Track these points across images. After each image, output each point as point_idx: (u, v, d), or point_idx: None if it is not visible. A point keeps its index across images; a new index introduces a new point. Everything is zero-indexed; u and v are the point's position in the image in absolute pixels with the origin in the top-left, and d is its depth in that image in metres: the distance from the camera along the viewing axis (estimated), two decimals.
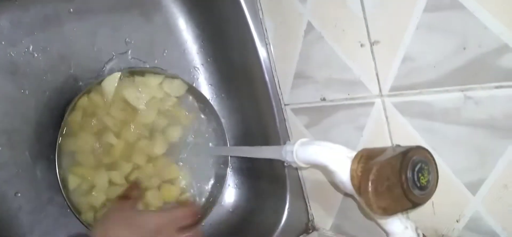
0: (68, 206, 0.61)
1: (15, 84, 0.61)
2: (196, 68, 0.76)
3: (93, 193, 0.64)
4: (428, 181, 0.37)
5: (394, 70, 0.46)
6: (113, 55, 0.68)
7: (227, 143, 0.75)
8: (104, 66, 0.68)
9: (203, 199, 0.74)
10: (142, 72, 0.69)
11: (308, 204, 0.68)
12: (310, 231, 0.68)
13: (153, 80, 0.69)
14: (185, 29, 0.74)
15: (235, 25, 0.67)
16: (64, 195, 0.60)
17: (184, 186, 0.73)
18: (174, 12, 0.73)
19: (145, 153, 0.69)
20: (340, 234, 0.63)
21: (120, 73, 0.66)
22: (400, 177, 0.35)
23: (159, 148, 0.70)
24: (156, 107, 0.70)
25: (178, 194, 0.72)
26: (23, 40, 0.61)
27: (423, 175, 0.36)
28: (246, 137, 0.76)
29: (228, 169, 0.75)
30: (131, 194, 0.61)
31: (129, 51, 0.70)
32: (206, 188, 0.75)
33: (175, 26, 0.74)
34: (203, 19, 0.74)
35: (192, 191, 0.74)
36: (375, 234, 0.54)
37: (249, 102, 0.73)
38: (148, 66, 0.72)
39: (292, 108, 0.65)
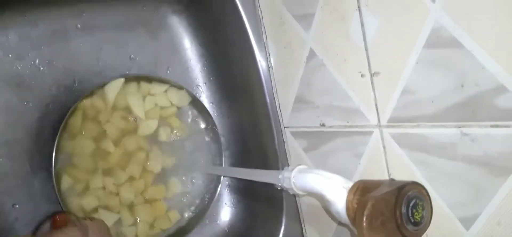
0: (60, 205, 0.61)
1: (19, 96, 0.62)
2: (198, 86, 0.77)
3: (85, 196, 0.64)
4: (422, 217, 0.37)
5: (393, 102, 0.46)
6: (118, 71, 0.69)
7: (222, 159, 0.75)
8: (108, 81, 0.68)
9: (190, 214, 0.75)
10: (148, 79, 0.70)
11: (303, 228, 0.68)
12: None
13: (158, 88, 0.70)
14: (189, 48, 0.76)
15: (238, 47, 0.68)
16: (57, 193, 0.60)
17: (176, 202, 0.73)
18: (180, 31, 0.74)
19: (141, 165, 0.69)
20: None
21: (123, 79, 0.67)
22: (395, 212, 0.35)
23: (155, 162, 0.70)
24: (157, 117, 0.70)
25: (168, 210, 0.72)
26: (29, 53, 0.62)
27: (417, 210, 0.37)
28: (245, 156, 0.76)
29: (219, 186, 0.75)
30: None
31: (134, 68, 0.71)
32: (196, 203, 0.75)
33: (179, 45, 0.75)
34: (208, 39, 0.75)
35: (183, 207, 0.74)
36: None
37: (249, 123, 0.74)
38: None
39: (291, 131, 0.66)
